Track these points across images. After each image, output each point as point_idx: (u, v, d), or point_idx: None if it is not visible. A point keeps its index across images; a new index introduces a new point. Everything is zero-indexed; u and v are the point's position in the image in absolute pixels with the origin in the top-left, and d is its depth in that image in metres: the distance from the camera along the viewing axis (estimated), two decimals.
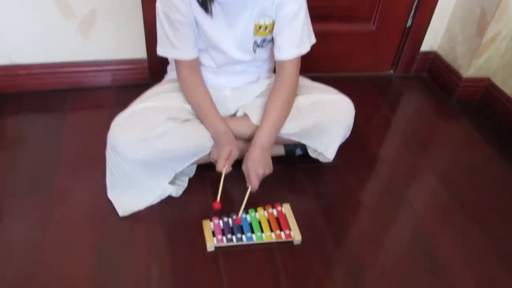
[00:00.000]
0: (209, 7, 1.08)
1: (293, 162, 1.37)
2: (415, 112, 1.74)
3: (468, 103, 1.80)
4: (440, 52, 1.89)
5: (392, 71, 1.96)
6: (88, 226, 1.14)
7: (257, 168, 1.16)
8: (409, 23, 1.80)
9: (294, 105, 1.23)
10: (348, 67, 1.89)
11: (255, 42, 1.19)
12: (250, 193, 1.15)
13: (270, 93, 1.22)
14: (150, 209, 1.19)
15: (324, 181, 1.34)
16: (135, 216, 1.17)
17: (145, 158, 1.13)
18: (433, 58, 1.92)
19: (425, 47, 1.89)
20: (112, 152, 1.15)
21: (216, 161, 1.18)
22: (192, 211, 1.20)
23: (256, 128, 1.21)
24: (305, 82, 1.36)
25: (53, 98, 1.60)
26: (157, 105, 1.20)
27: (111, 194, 1.20)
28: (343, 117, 1.27)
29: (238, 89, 1.31)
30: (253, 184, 1.15)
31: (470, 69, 1.72)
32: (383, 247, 1.15)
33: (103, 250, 1.07)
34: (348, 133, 1.31)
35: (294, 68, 1.20)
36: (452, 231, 1.21)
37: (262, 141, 1.18)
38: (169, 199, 1.22)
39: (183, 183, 1.26)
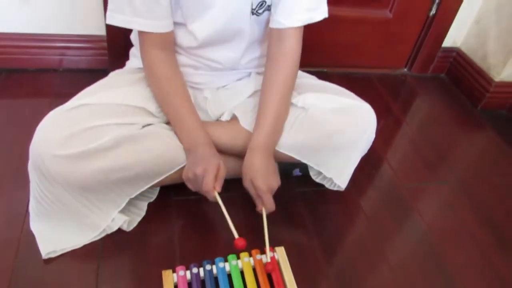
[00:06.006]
0: None
1: (289, 185, 1.04)
2: (431, 120, 1.42)
3: (496, 112, 1.50)
4: (465, 49, 1.58)
5: (406, 70, 1.64)
6: None
7: (268, 178, 0.84)
8: (433, 11, 1.47)
9: (300, 104, 0.91)
10: (355, 62, 1.57)
11: (251, 4, 0.86)
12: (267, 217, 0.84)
13: (265, 75, 0.91)
14: (87, 250, 0.85)
15: (330, 212, 1.02)
16: (65, 259, 0.83)
17: (84, 181, 0.80)
18: (455, 57, 1.61)
19: (446, 42, 1.58)
20: (36, 171, 0.80)
21: (193, 183, 0.85)
22: (149, 253, 0.86)
23: (249, 137, 0.89)
24: (309, 80, 1.03)
25: None
26: (105, 102, 0.85)
27: (35, 226, 0.86)
28: (364, 131, 0.94)
29: (223, 90, 0.97)
30: (268, 202, 0.83)
31: (504, 71, 1.42)
32: None
33: None
34: (365, 153, 0.99)
35: (297, 41, 0.89)
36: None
37: (263, 141, 0.86)
38: (117, 234, 0.88)
39: (139, 212, 0.92)
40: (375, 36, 1.50)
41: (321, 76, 1.07)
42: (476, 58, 1.52)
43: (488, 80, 1.46)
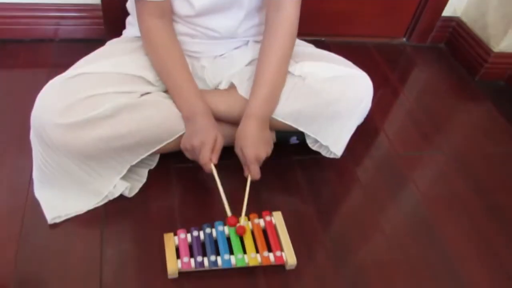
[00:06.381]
0: None
1: (286, 153, 1.06)
2: (429, 90, 1.43)
3: (493, 83, 1.50)
4: (465, 19, 1.57)
5: (405, 39, 1.63)
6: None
7: (257, 148, 0.86)
8: None
9: (297, 73, 0.91)
10: (354, 31, 1.56)
11: None
12: (251, 184, 0.86)
13: (262, 43, 0.91)
14: (91, 215, 0.88)
15: (326, 180, 1.04)
16: (70, 225, 0.86)
17: (85, 149, 0.81)
18: (455, 26, 1.60)
19: (446, 11, 1.56)
20: (38, 139, 0.82)
21: (191, 153, 0.87)
22: (150, 218, 0.89)
23: (246, 104, 0.90)
24: (307, 48, 1.03)
25: None
26: (104, 71, 0.86)
27: (39, 193, 0.89)
28: (361, 100, 0.95)
29: (221, 58, 0.97)
30: (254, 172, 0.85)
31: (503, 42, 1.41)
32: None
33: (20, 272, 0.76)
34: (361, 122, 1.00)
35: (295, 10, 0.89)
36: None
37: (259, 109, 0.88)
38: (119, 200, 0.90)
39: (140, 179, 0.95)
40: (373, 5, 1.49)
41: (319, 45, 1.07)
42: (476, 28, 1.52)
43: (487, 50, 1.46)
